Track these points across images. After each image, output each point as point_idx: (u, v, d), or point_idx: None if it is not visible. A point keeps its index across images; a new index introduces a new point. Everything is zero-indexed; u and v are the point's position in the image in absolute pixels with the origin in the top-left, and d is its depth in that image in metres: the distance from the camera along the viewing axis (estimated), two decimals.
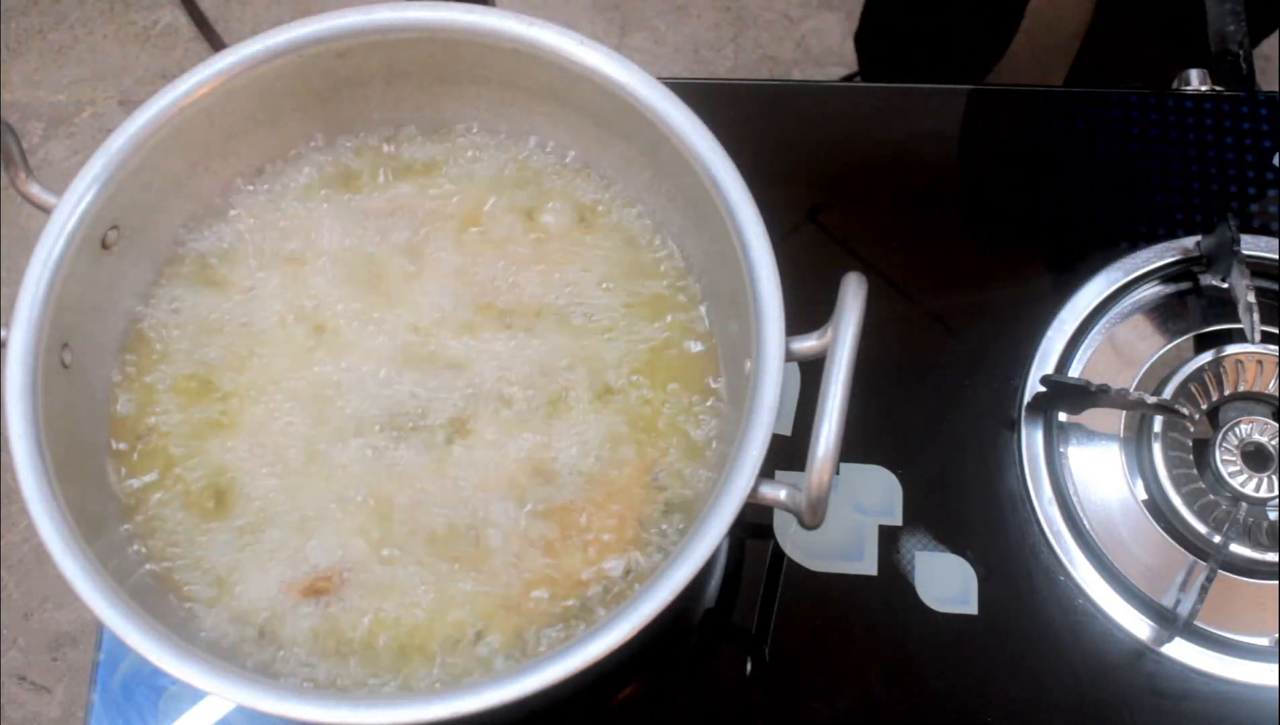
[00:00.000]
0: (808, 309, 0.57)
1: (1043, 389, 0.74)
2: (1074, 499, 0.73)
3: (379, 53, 0.65)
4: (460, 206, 0.68)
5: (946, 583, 0.72)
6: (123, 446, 0.63)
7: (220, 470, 0.63)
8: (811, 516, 0.52)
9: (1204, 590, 0.67)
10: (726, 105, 0.85)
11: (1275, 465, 0.72)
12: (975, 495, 0.74)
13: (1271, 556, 0.70)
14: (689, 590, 0.53)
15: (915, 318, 0.79)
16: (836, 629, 0.72)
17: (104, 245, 0.62)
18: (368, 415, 0.64)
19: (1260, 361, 0.74)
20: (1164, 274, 0.78)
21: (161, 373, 0.65)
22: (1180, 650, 0.70)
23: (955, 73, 1.40)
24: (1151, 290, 0.78)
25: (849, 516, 0.73)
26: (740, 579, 0.73)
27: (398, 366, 0.65)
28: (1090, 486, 0.74)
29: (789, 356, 0.56)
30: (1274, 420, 0.73)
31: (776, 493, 0.54)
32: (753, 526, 0.74)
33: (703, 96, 0.63)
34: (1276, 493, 0.72)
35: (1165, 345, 0.77)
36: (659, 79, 0.62)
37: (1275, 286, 0.78)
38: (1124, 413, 0.75)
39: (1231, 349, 0.75)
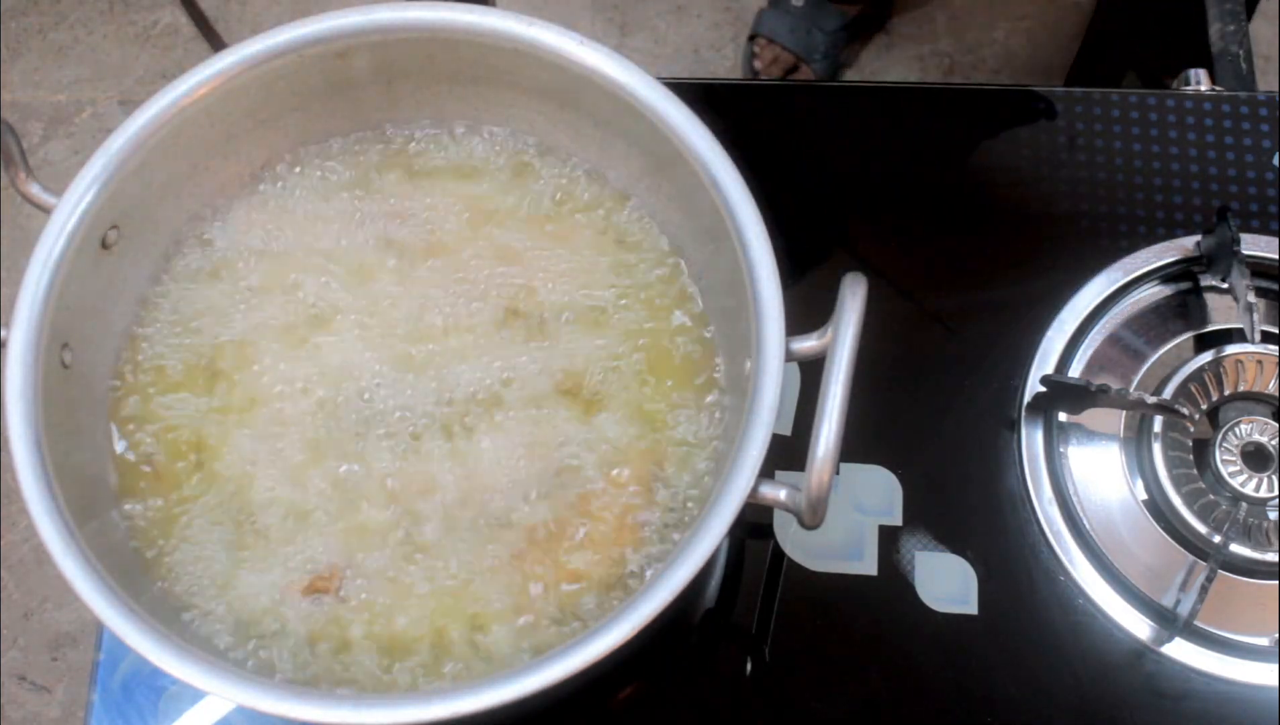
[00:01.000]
0: (808, 309, 0.57)
1: (1043, 389, 0.74)
2: (1074, 499, 0.73)
3: (379, 53, 0.65)
4: (460, 206, 0.68)
5: (946, 583, 0.72)
6: (123, 446, 0.63)
7: (220, 469, 0.63)
8: (811, 517, 0.52)
9: (1204, 590, 0.67)
10: (726, 105, 0.85)
11: (1275, 465, 0.72)
12: (975, 495, 0.74)
13: (1271, 556, 0.70)
14: (689, 590, 0.53)
15: (915, 318, 0.79)
16: (836, 629, 0.72)
17: (104, 245, 0.62)
18: (368, 414, 0.64)
19: (1260, 361, 0.74)
20: (1164, 274, 0.78)
21: (161, 373, 0.65)
22: (1180, 650, 0.70)
23: None
24: (1151, 290, 0.78)
25: (849, 516, 0.73)
26: (740, 579, 0.73)
27: (397, 366, 0.65)
28: (1090, 486, 0.74)
29: (789, 356, 0.56)
30: (1274, 420, 0.73)
31: (776, 493, 0.54)
32: (753, 526, 0.74)
33: (703, 96, 0.63)
34: (1276, 493, 0.72)
35: (1165, 345, 0.77)
36: (659, 79, 0.62)
37: (1275, 286, 0.78)
38: (1124, 413, 0.75)
39: (1231, 349, 0.75)
